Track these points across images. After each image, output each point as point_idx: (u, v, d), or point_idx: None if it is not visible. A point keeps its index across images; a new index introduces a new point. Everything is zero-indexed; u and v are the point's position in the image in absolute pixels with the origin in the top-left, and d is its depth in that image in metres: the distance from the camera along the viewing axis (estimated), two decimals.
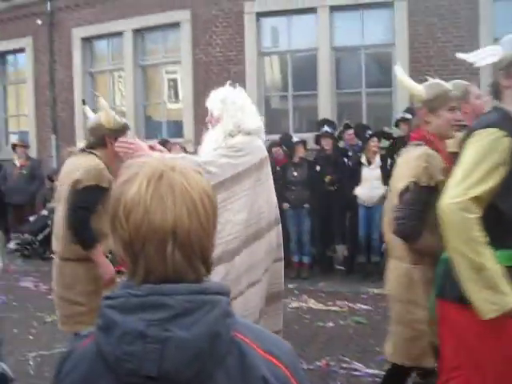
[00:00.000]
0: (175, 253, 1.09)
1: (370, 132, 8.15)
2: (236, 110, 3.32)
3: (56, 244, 3.80)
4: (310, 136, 9.04)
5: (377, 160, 7.85)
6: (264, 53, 10.83)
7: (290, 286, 7.26)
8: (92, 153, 3.73)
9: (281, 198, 8.09)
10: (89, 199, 3.57)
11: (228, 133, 3.27)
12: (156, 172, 1.12)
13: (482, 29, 9.57)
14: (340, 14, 10.31)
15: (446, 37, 9.61)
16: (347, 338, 5.40)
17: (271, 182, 3.41)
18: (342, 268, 8.33)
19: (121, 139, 3.28)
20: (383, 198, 7.58)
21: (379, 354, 4.96)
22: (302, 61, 10.91)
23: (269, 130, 10.46)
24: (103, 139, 3.72)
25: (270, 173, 3.42)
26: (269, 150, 8.11)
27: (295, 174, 8.16)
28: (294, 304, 6.56)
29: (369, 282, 7.47)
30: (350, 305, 6.42)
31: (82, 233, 3.58)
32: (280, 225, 3.51)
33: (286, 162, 8.40)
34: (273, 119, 10.96)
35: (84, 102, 4.28)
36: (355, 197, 7.86)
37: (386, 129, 9.08)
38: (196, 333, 1.05)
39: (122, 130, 3.79)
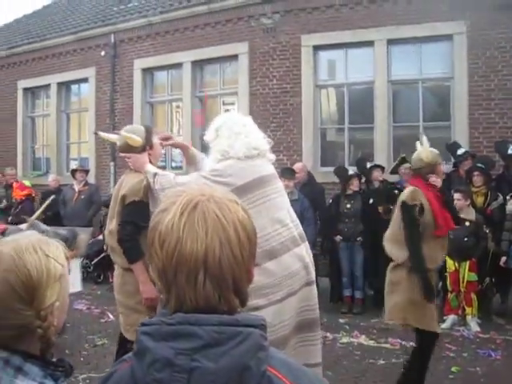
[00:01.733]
0: (206, 283, 1.10)
1: None
2: (228, 137, 3.36)
3: (114, 255, 3.99)
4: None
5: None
6: (320, 85, 10.86)
7: (341, 320, 7.13)
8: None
9: (334, 230, 8.07)
10: (135, 214, 3.70)
11: (216, 161, 3.34)
12: (191, 201, 1.14)
13: None
14: (397, 47, 10.27)
15: (507, 69, 9.42)
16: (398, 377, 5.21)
17: (278, 200, 3.37)
18: None
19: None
20: None
21: None
22: (358, 93, 10.89)
23: (324, 162, 10.58)
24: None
25: (277, 191, 3.39)
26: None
27: (348, 206, 8.07)
28: (345, 339, 6.42)
29: None
30: (403, 343, 6.22)
31: (127, 247, 3.74)
32: (305, 244, 3.42)
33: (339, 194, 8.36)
34: (328, 152, 10.94)
35: (97, 133, 4.51)
36: None
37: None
38: (223, 365, 1.04)
39: (149, 138, 3.91)
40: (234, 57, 11.35)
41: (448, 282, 7.15)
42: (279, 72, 10.85)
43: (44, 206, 6.08)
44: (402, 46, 10.27)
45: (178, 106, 12.69)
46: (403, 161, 8.47)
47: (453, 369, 5.42)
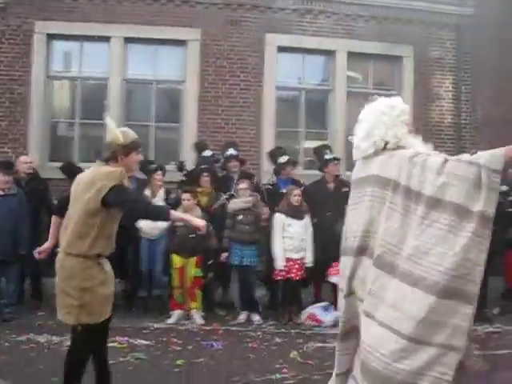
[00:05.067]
0: None
1: (154, 165, 8.13)
2: None
3: (62, 239, 4.00)
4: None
5: (161, 192, 7.85)
6: (53, 76, 10.37)
7: None
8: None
9: None
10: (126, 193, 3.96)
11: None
12: None
13: (266, 76, 10.32)
14: (134, 46, 10.34)
15: (233, 79, 10.17)
16: (126, 375, 5.25)
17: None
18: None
19: None
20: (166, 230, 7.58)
21: None
22: (92, 88, 10.69)
23: (54, 157, 10.13)
24: (115, 154, 4.00)
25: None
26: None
27: None
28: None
29: (150, 317, 7.38)
30: (131, 340, 6.28)
31: (150, 210, 4.11)
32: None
33: None
34: (59, 146, 10.51)
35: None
36: (137, 229, 7.69)
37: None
38: None
39: (132, 147, 4.08)
40: None
41: (175, 278, 7.38)
42: (7, 58, 10.05)
43: None
44: (139, 45, 10.37)
45: None
46: None
47: (178, 362, 5.62)
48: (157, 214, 4.15)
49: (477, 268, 2.72)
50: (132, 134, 4.17)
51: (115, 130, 4.11)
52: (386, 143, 3.16)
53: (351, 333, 3.21)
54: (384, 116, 3.20)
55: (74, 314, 3.82)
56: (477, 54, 11.02)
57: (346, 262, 3.23)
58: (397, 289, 2.86)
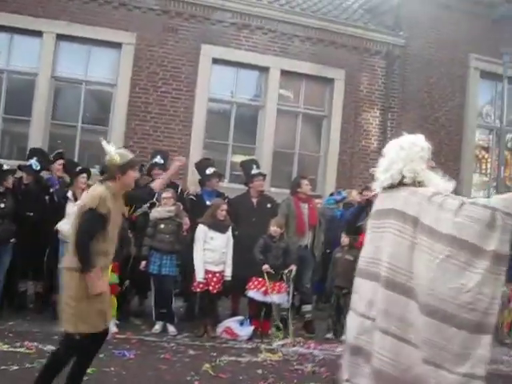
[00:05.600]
0: None
1: (79, 168, 7.93)
2: None
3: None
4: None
5: (84, 195, 7.64)
6: None
7: None
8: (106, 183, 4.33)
9: None
10: (90, 223, 4.14)
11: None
12: None
13: (199, 86, 10.33)
14: (67, 45, 10.13)
15: (165, 87, 10.13)
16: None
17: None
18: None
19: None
20: None
21: None
22: (19, 83, 10.36)
23: None
24: (113, 173, 4.32)
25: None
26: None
27: (2, 205, 7.49)
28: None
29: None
30: (40, 346, 6.07)
31: (83, 255, 4.11)
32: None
33: None
34: None
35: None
36: (57, 232, 7.44)
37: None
38: None
39: (129, 165, 4.35)
40: None
41: None
42: None
43: None
44: (71, 43, 10.17)
45: None
46: (59, 156, 8.27)
47: (88, 370, 5.48)
48: (83, 259, 4.15)
49: (494, 301, 2.99)
50: (128, 154, 4.51)
51: (112, 153, 4.39)
52: (403, 177, 3.37)
53: (361, 349, 3.42)
54: (403, 151, 3.44)
55: (72, 322, 4.13)
56: (405, 83, 11.45)
57: (363, 285, 3.48)
58: (425, 323, 3.08)
